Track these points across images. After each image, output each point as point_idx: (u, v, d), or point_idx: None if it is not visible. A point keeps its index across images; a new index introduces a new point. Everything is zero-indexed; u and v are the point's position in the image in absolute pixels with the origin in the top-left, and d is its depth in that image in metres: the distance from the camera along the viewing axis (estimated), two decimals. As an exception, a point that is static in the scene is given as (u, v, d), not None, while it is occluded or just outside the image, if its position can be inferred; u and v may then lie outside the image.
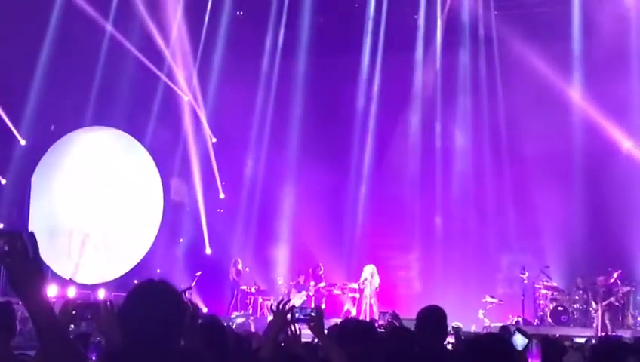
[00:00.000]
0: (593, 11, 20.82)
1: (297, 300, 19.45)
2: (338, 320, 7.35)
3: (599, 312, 18.50)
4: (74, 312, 4.69)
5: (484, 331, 17.08)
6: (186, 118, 23.54)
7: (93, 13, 21.82)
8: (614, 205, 20.02)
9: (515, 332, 8.57)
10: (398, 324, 9.65)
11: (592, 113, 20.99)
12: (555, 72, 21.23)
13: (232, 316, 20.07)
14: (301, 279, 21.33)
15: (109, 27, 22.48)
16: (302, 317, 5.36)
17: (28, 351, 5.87)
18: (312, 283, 21.19)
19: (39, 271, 2.85)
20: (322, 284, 21.24)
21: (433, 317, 5.84)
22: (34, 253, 2.84)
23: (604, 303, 18.49)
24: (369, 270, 20.70)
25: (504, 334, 10.03)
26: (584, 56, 21.28)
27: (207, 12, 23.51)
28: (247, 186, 23.71)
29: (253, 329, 16.16)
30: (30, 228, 21.03)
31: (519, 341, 7.41)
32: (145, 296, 3.32)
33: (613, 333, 17.10)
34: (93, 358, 5.81)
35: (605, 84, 20.31)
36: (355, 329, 5.44)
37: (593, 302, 18.72)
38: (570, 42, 21.56)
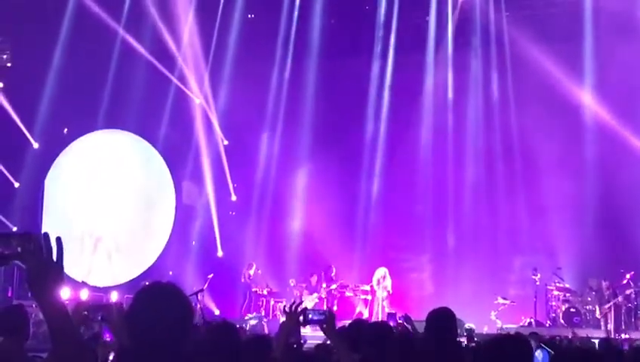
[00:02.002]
0: (605, 11, 20.73)
1: (309, 303, 19.45)
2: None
3: (602, 315, 18.60)
4: (85, 314, 4.72)
5: (497, 332, 17.07)
6: (197, 120, 23.59)
7: (105, 17, 21.90)
8: (627, 206, 19.92)
9: (537, 347, 8.59)
10: (410, 327, 9.64)
11: (604, 114, 20.92)
12: (566, 73, 21.17)
13: (246, 318, 20.10)
14: (313, 280, 21.32)
15: (120, 30, 22.53)
16: (314, 318, 5.38)
17: (41, 353, 5.90)
18: (324, 284, 21.19)
19: (53, 272, 2.87)
20: (334, 286, 21.22)
21: (443, 318, 5.88)
22: (47, 255, 2.86)
23: (606, 306, 18.55)
24: (381, 273, 20.70)
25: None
26: (596, 56, 21.19)
27: (219, 15, 23.55)
28: (258, 188, 23.71)
29: (266, 332, 16.18)
30: (43, 231, 21.09)
31: (541, 356, 7.47)
32: (151, 298, 3.33)
33: (622, 336, 17.14)
34: (107, 337, 5.83)
35: (617, 85, 20.23)
36: (370, 331, 5.45)
37: (598, 305, 18.80)
38: (582, 42, 21.47)
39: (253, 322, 19.39)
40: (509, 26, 22.41)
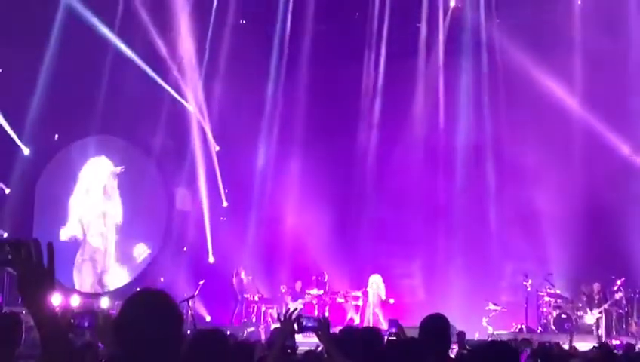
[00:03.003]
0: (596, 19, 20.82)
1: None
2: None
3: (594, 320, 18.64)
4: (72, 321, 4.68)
5: (489, 339, 17.07)
6: (190, 126, 23.55)
7: (98, 22, 21.82)
8: (618, 212, 19.99)
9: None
10: (400, 334, 9.59)
11: (594, 121, 21.01)
12: (556, 79, 21.28)
13: (244, 325, 20.15)
14: (297, 286, 21.29)
15: (112, 37, 22.44)
16: (308, 325, 5.37)
17: (31, 359, 5.87)
18: (315, 290, 21.19)
19: (44, 279, 2.86)
20: (318, 292, 21.17)
21: (437, 325, 5.79)
22: (38, 261, 2.86)
23: (597, 311, 18.58)
24: (374, 279, 20.67)
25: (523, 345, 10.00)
26: (585, 63, 21.25)
27: (212, 21, 23.51)
28: (250, 194, 23.67)
29: (263, 338, 16.15)
30: (34, 237, 21.03)
31: None
32: (140, 306, 3.31)
33: (616, 341, 17.13)
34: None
35: (606, 92, 20.32)
36: (360, 338, 5.43)
37: (588, 310, 18.83)
38: (572, 49, 21.54)
39: (250, 329, 19.42)
40: (500, 33, 22.50)
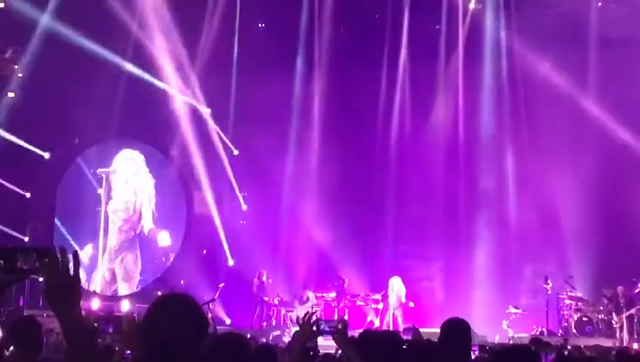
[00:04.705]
0: (612, 21, 20.73)
1: (301, 312, 19.42)
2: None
3: (619, 324, 18.46)
4: (96, 325, 4.70)
5: (509, 342, 17.02)
6: (208, 130, 23.61)
7: (118, 24, 21.88)
8: (638, 214, 19.85)
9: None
10: (417, 339, 9.56)
11: (614, 124, 20.89)
12: (578, 81, 21.19)
13: (266, 328, 20.20)
14: (308, 292, 21.31)
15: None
16: (327, 328, 5.37)
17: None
18: (333, 294, 21.23)
19: (70, 286, 2.87)
20: (331, 295, 21.22)
21: (459, 330, 5.75)
22: (64, 269, 2.87)
23: (626, 315, 18.42)
24: (394, 282, 20.62)
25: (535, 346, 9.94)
26: (603, 64, 21.12)
27: (237, 25, 23.53)
28: (270, 198, 23.69)
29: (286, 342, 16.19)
30: (55, 242, 21.26)
31: None
32: (166, 310, 3.31)
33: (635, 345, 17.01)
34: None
35: (629, 94, 20.23)
36: (380, 341, 5.41)
37: (615, 314, 18.67)
38: (590, 51, 21.45)
39: (276, 333, 19.48)
40: (519, 34, 22.43)
